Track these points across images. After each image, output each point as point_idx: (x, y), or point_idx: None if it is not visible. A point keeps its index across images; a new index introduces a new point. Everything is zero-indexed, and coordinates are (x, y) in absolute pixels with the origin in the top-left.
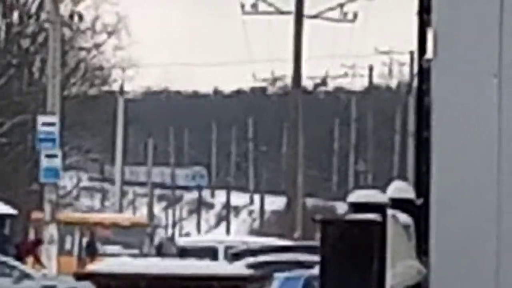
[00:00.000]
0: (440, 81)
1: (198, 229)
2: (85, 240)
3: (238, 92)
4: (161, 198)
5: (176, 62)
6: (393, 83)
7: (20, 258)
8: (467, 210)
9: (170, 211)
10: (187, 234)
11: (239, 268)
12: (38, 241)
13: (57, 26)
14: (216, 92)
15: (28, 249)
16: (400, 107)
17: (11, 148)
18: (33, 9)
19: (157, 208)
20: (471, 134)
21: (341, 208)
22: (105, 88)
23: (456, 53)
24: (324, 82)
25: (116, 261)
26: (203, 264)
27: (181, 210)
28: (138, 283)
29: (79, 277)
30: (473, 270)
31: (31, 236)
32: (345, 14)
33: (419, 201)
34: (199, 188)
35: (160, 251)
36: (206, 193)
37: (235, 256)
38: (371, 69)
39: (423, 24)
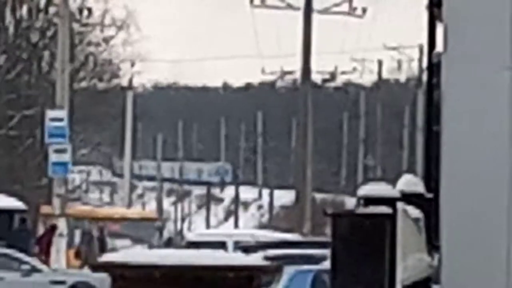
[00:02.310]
0: (450, 75)
1: (207, 224)
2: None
3: (247, 87)
4: (170, 192)
5: (185, 57)
6: (402, 78)
7: (43, 252)
8: (477, 203)
9: (179, 206)
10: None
11: (254, 259)
12: (53, 227)
13: (66, 20)
14: (225, 86)
15: (49, 239)
16: (409, 102)
17: (20, 142)
18: (42, 4)
19: (166, 203)
20: (482, 128)
21: (350, 202)
22: (114, 82)
23: (467, 46)
24: (333, 77)
25: (131, 252)
26: (217, 255)
27: (190, 205)
28: (153, 273)
29: (94, 267)
30: (483, 263)
31: (40, 230)
32: (354, 8)
33: (429, 195)
34: (224, 183)
35: (169, 246)
36: (215, 188)
37: (244, 250)
38: (380, 63)
39: (433, 18)
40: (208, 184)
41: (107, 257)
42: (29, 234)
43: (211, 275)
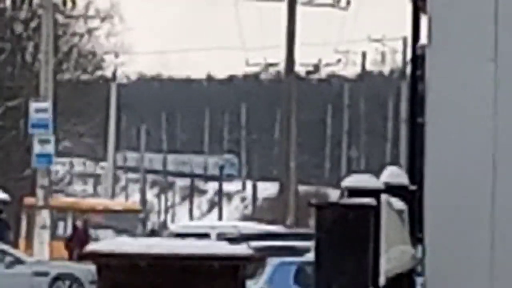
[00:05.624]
0: (435, 67)
1: (191, 215)
2: None
3: (231, 78)
4: (153, 184)
5: (169, 48)
6: (386, 70)
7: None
8: (461, 195)
9: (162, 197)
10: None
11: (239, 248)
12: (75, 227)
13: (50, 12)
14: (209, 78)
15: (81, 238)
16: (393, 94)
17: (3, 133)
18: None
19: (150, 194)
20: (466, 120)
21: (333, 194)
22: (98, 73)
23: (451, 38)
24: (317, 69)
25: (117, 241)
26: (203, 244)
27: (173, 196)
28: (138, 262)
29: (80, 257)
30: (467, 255)
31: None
32: (338, 0)
33: (413, 187)
34: (230, 177)
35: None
36: (198, 179)
37: (227, 241)
38: (364, 55)
39: (417, 10)
40: (193, 176)
41: (92, 247)
42: (5, 224)
43: (196, 265)
